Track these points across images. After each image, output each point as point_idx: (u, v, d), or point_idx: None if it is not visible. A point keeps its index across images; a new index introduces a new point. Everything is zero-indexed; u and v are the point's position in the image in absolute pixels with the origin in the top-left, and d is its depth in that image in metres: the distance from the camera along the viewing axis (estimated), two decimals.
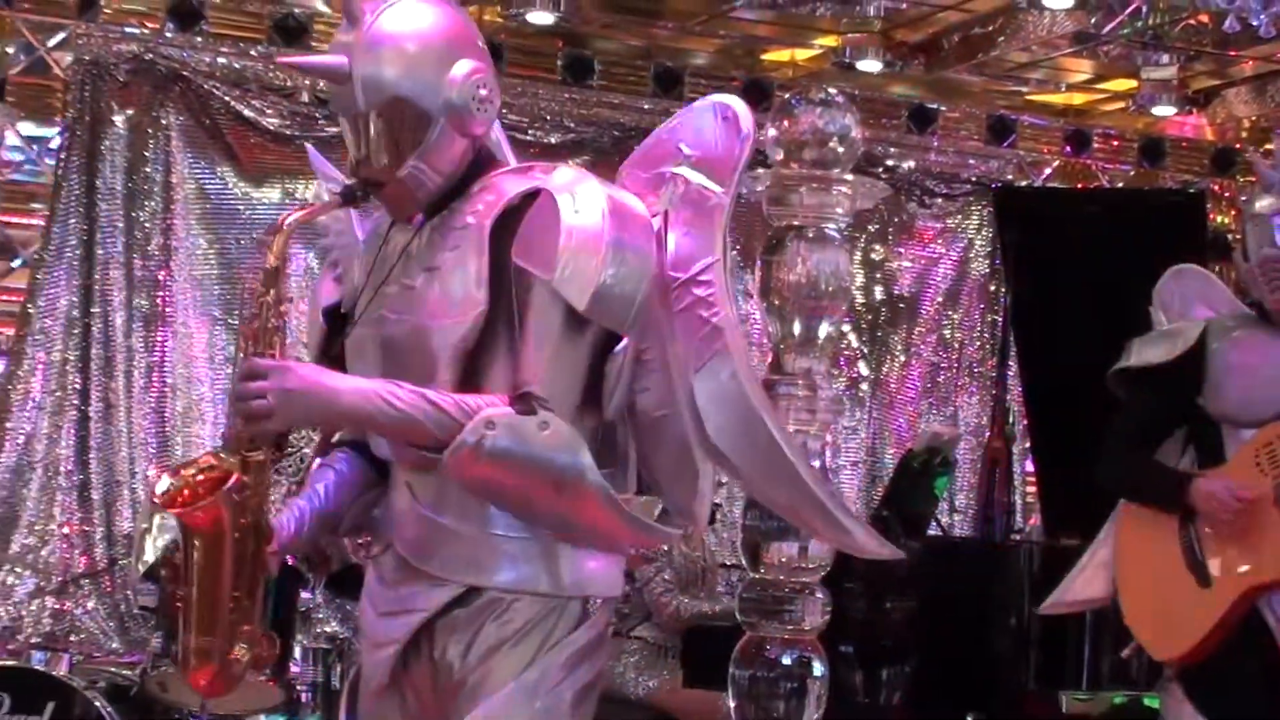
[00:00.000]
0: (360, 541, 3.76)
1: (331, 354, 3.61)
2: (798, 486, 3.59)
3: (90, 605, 8.03)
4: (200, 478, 3.33)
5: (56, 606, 7.82)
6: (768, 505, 3.76)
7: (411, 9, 3.45)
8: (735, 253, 8.90)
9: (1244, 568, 4.93)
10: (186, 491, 3.33)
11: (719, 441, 3.50)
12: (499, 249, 3.37)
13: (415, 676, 3.49)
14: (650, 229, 3.48)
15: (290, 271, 3.54)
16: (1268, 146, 9.30)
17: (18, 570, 8.05)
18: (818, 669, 4.71)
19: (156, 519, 6.97)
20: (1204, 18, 8.22)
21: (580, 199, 3.36)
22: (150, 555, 6.74)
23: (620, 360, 3.44)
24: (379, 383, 3.34)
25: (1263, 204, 4.99)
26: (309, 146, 4.35)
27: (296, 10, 8.71)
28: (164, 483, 3.37)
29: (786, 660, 4.68)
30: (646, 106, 9.06)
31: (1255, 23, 7.20)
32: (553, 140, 8.48)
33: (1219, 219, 9.45)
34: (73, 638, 7.55)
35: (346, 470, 3.63)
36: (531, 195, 3.39)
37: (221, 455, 3.37)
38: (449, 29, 3.48)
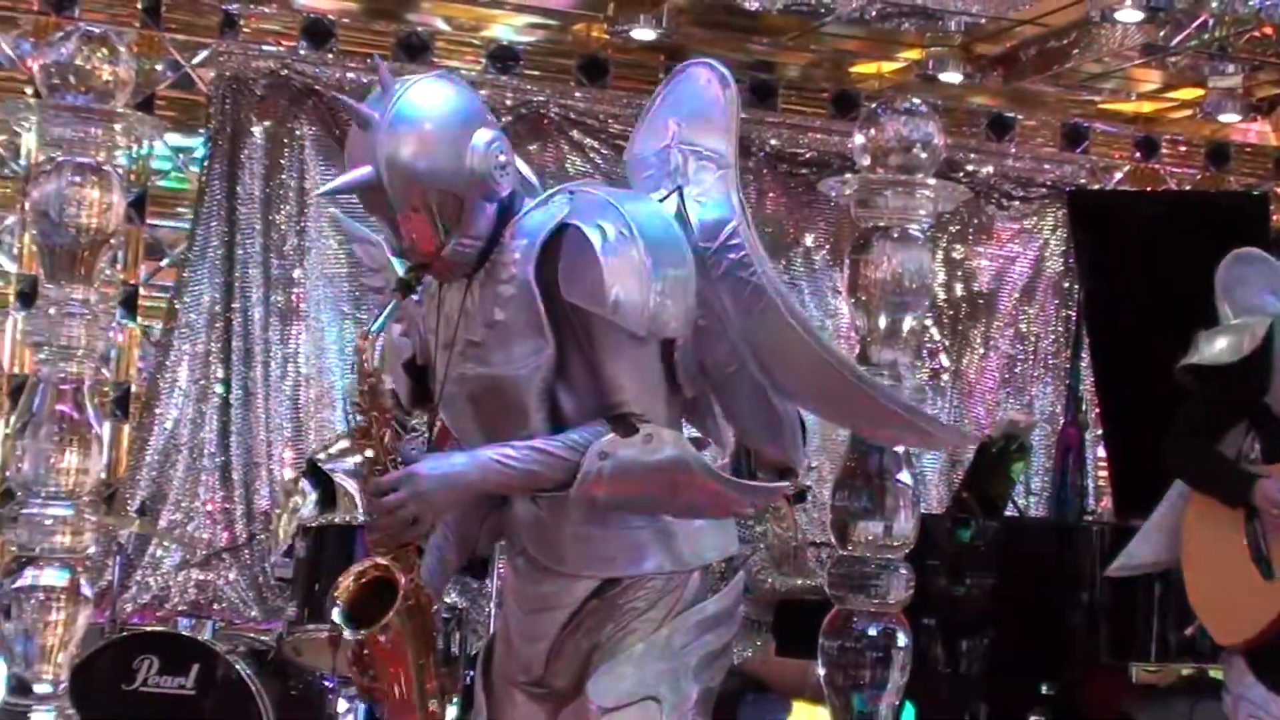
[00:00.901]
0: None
1: (423, 401, 3.67)
2: (876, 408, 3.58)
3: (231, 576, 8.09)
4: (365, 580, 3.45)
5: (201, 577, 7.88)
6: (852, 429, 3.73)
7: (414, 100, 3.39)
8: (825, 254, 9.02)
9: None
10: (353, 593, 3.44)
11: (788, 385, 3.52)
12: (545, 287, 3.36)
13: (566, 657, 3.52)
14: (672, 226, 3.46)
15: None
16: None
17: (166, 544, 8.12)
18: (902, 640, 4.68)
19: (293, 500, 7.00)
20: (1268, 29, 8.16)
21: (606, 226, 3.33)
22: (284, 537, 6.76)
23: (685, 347, 3.47)
24: (492, 449, 3.38)
25: None
26: (337, 212, 4.33)
27: (419, 29, 8.73)
28: (336, 611, 3.47)
29: (872, 632, 4.65)
30: (744, 116, 9.00)
31: None
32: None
33: None
34: (215, 606, 7.60)
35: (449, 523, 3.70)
36: (560, 230, 3.37)
37: (378, 562, 3.45)
38: (454, 109, 3.43)
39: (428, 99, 3.40)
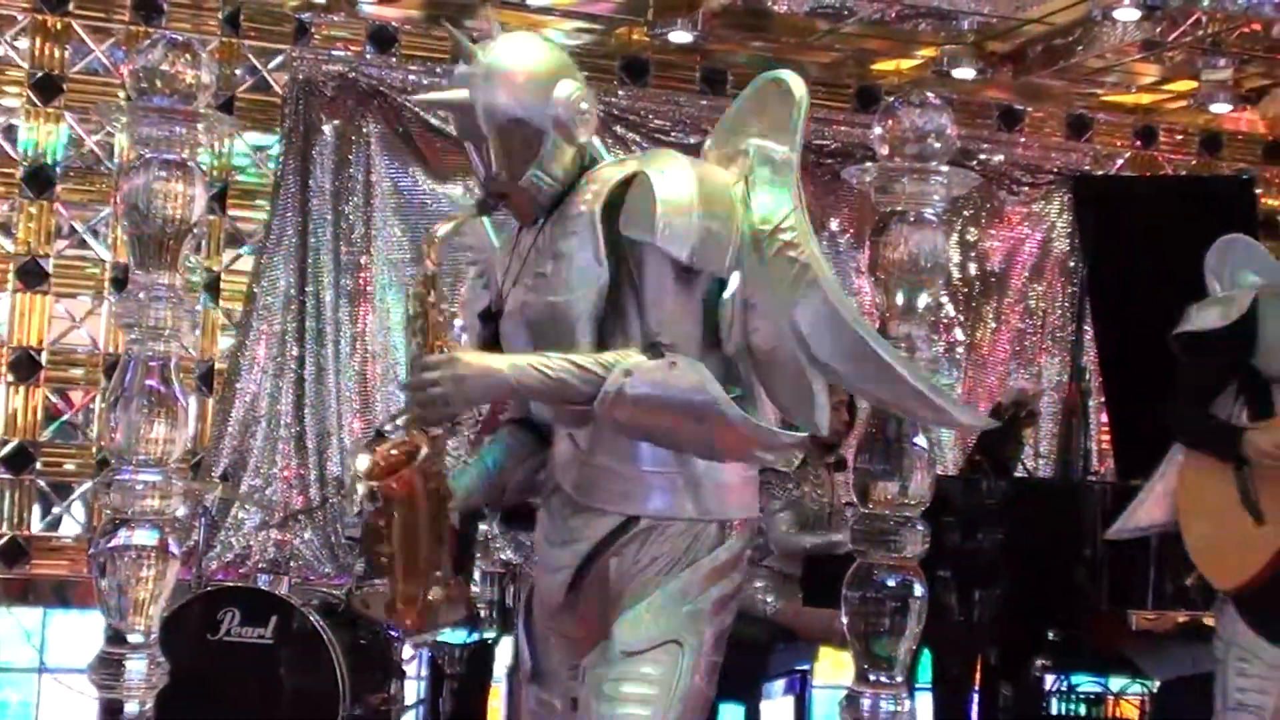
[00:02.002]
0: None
1: (493, 347, 3.67)
2: (898, 382, 3.61)
3: (306, 536, 8.12)
4: (394, 453, 3.45)
5: (278, 537, 7.89)
6: (875, 403, 3.78)
7: (516, 45, 3.54)
8: (849, 236, 9.02)
9: None
10: (383, 464, 3.44)
11: (824, 358, 3.54)
12: (609, 228, 3.43)
13: (585, 594, 3.54)
14: (729, 189, 3.52)
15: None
16: None
17: (246, 507, 8.16)
18: (918, 591, 4.69)
19: (361, 465, 7.03)
20: (1256, 25, 8.11)
21: (670, 173, 3.42)
22: (353, 499, 6.80)
23: (731, 303, 3.48)
24: (531, 356, 3.41)
25: None
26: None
27: (475, 34, 8.68)
28: (363, 460, 3.49)
29: (891, 583, 4.66)
30: None
31: None
32: (691, 141, 8.44)
33: (1269, 202, 9.30)
34: (292, 563, 7.60)
35: (512, 443, 3.75)
36: (629, 179, 3.45)
37: (410, 434, 3.45)
38: (548, 58, 3.57)
39: (523, 46, 3.54)
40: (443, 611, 3.53)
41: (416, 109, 8.56)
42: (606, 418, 3.36)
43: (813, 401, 3.56)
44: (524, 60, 3.51)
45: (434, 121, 8.56)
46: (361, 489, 6.70)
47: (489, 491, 3.75)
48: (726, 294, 3.49)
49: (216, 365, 8.49)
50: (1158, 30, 8.17)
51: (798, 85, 3.62)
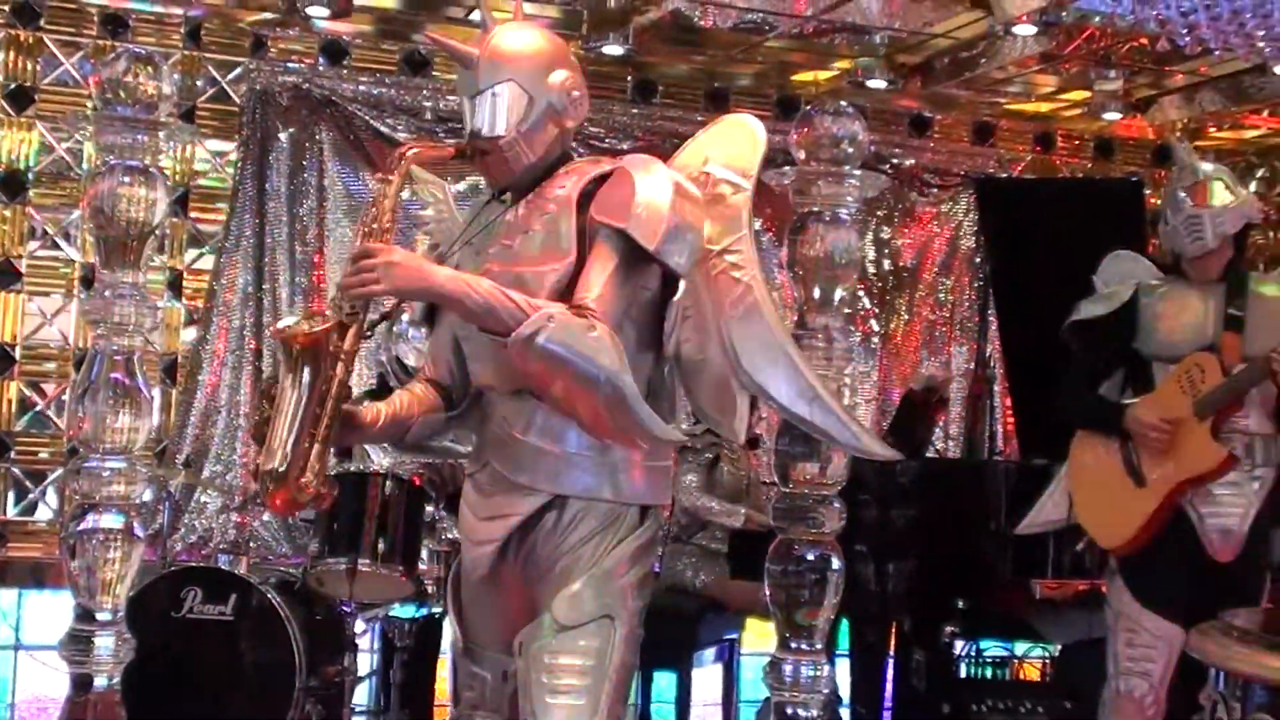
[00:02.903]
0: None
1: (434, 317, 3.72)
2: (819, 405, 3.67)
3: (264, 519, 8.06)
4: (309, 323, 3.36)
5: (238, 520, 7.87)
6: (795, 422, 3.76)
7: (524, 30, 3.59)
8: (770, 235, 9.03)
9: (1172, 468, 4.93)
10: (305, 329, 3.34)
11: (753, 373, 3.56)
12: (583, 213, 3.42)
13: (510, 568, 3.54)
14: (701, 200, 3.53)
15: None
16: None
17: (209, 492, 8.10)
18: (836, 564, 4.70)
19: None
20: (1143, 40, 8.16)
21: (649, 173, 3.42)
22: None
23: (677, 307, 3.47)
24: (465, 274, 3.37)
25: (1182, 182, 5.03)
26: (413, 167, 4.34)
27: (421, 48, 8.71)
28: (284, 321, 3.45)
29: (811, 557, 4.67)
30: (700, 119, 8.98)
31: (1181, 44, 7.14)
32: (624, 147, 8.44)
33: (1156, 201, 9.35)
34: (251, 544, 7.58)
35: (422, 392, 3.70)
36: (609, 173, 3.46)
37: (327, 313, 3.40)
38: (551, 46, 3.58)
39: (534, 30, 3.61)
40: (307, 502, 3.34)
41: (366, 118, 8.55)
42: (518, 356, 3.27)
43: (734, 411, 3.60)
44: (532, 40, 3.55)
45: (383, 129, 8.57)
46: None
47: (391, 424, 3.62)
48: (676, 296, 3.48)
49: (179, 358, 8.43)
50: (1054, 44, 8.21)
51: (760, 130, 3.67)
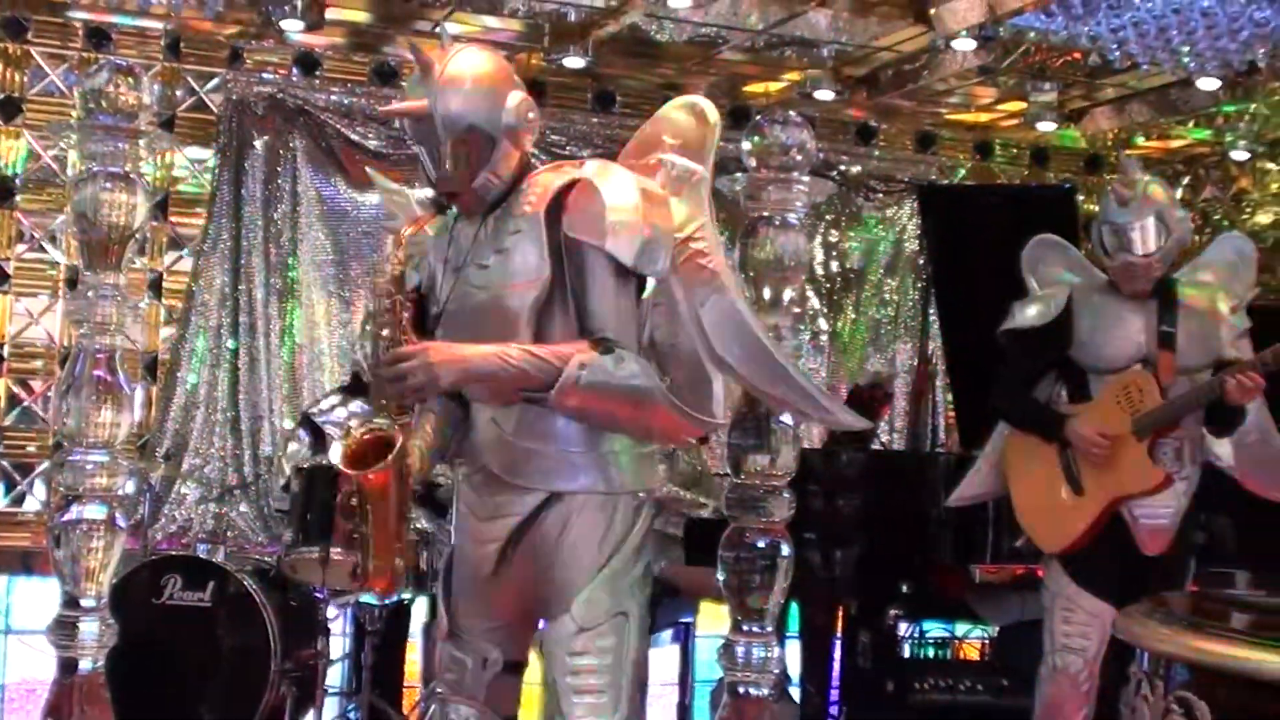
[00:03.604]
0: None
1: (423, 326, 3.63)
2: (788, 382, 3.67)
3: (241, 509, 8.04)
4: (367, 437, 3.42)
5: (216, 511, 7.84)
6: (765, 401, 3.78)
7: (468, 58, 3.47)
8: (725, 236, 9.03)
9: (1110, 482, 4.94)
10: (354, 448, 3.41)
11: (724, 355, 3.55)
12: (552, 227, 3.39)
13: (514, 564, 3.52)
14: (667, 201, 3.49)
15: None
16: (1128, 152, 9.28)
17: (188, 484, 8.07)
18: (785, 550, 4.70)
19: (290, 446, 6.98)
20: (1076, 55, 8.20)
21: (613, 181, 3.39)
22: (282, 476, 6.75)
23: (646, 301, 3.51)
24: (493, 347, 3.35)
25: (1121, 219, 4.94)
26: (369, 170, 4.39)
27: (390, 59, 8.69)
28: (337, 449, 3.43)
29: (762, 544, 4.67)
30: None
31: (1112, 58, 7.18)
32: (585, 154, 8.44)
33: (1088, 207, 9.40)
34: (228, 534, 7.56)
35: (450, 406, 3.66)
36: (572, 184, 3.41)
37: (379, 422, 3.42)
38: (498, 70, 3.50)
39: (476, 59, 3.49)
40: (404, 574, 3.57)
41: (338, 126, 8.54)
42: (560, 404, 3.34)
43: (709, 394, 3.57)
44: (477, 72, 3.46)
45: (354, 137, 8.56)
46: (288, 463, 6.67)
47: (435, 456, 3.67)
48: (646, 293, 3.51)
49: (160, 356, 8.40)
50: (992, 58, 8.24)
51: (711, 111, 3.64)
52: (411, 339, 3.41)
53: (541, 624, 3.62)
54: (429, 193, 3.70)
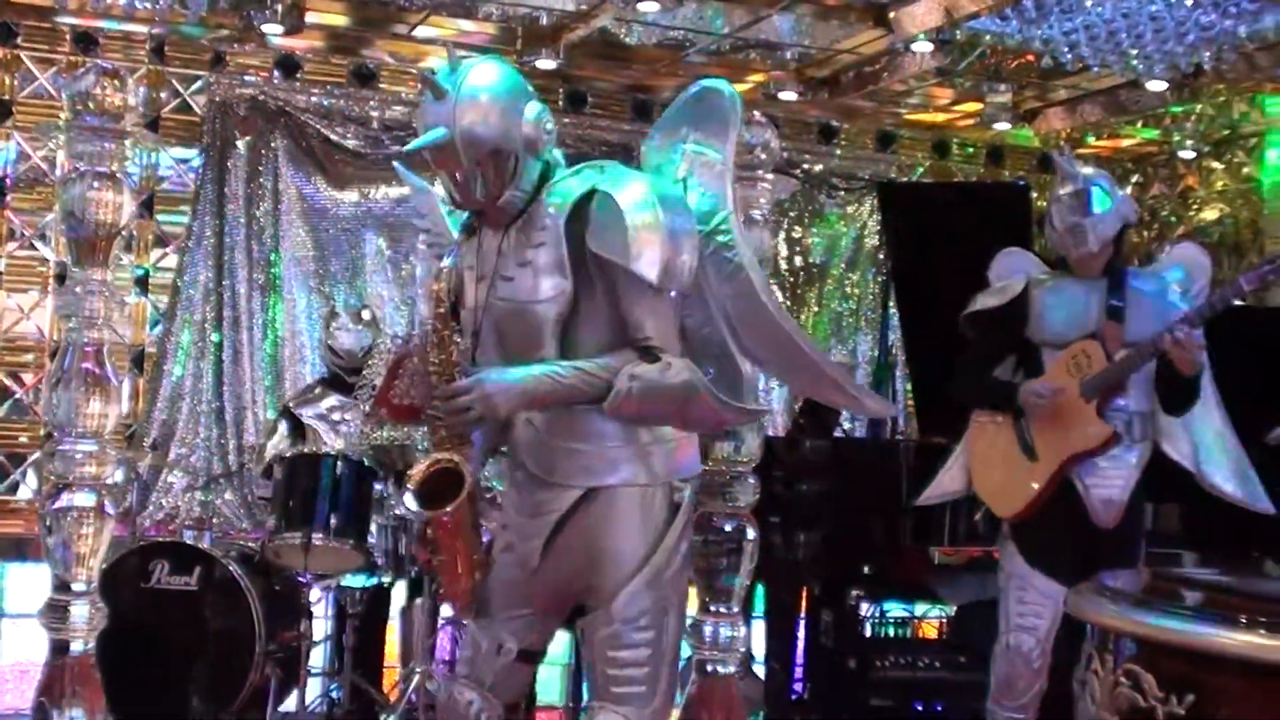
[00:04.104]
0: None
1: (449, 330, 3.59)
2: (814, 371, 3.63)
3: (226, 496, 8.05)
4: (434, 469, 3.43)
5: (202, 498, 7.84)
6: (792, 387, 3.76)
7: (480, 76, 3.37)
8: None
9: (1061, 443, 4.98)
10: (424, 483, 3.43)
11: (752, 348, 3.54)
12: (572, 239, 3.33)
13: (557, 557, 3.49)
14: (687, 204, 3.43)
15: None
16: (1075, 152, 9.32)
17: (175, 472, 8.06)
18: (751, 534, 4.72)
19: (273, 436, 6.98)
20: (1029, 57, 8.23)
21: (631, 194, 3.30)
22: (263, 464, 6.75)
23: (675, 300, 3.45)
24: (543, 367, 3.34)
25: (1064, 190, 5.07)
26: (396, 164, 4.33)
27: (369, 62, 8.68)
28: (410, 497, 3.44)
29: (728, 528, 4.70)
30: (626, 128, 9.09)
31: (1064, 61, 7.21)
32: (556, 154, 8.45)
33: (1041, 204, 9.43)
34: (214, 520, 7.55)
35: None
36: (590, 194, 3.34)
37: (447, 456, 3.42)
38: (509, 83, 3.41)
39: (488, 77, 3.39)
40: (480, 587, 3.57)
41: (317, 126, 8.54)
42: (614, 412, 3.33)
43: (740, 382, 3.57)
44: (491, 92, 3.36)
45: (333, 137, 8.56)
46: (270, 452, 6.67)
47: (488, 451, 3.69)
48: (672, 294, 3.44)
49: (146, 349, 8.39)
50: (949, 60, 8.27)
51: (734, 96, 3.55)
52: (459, 368, 3.41)
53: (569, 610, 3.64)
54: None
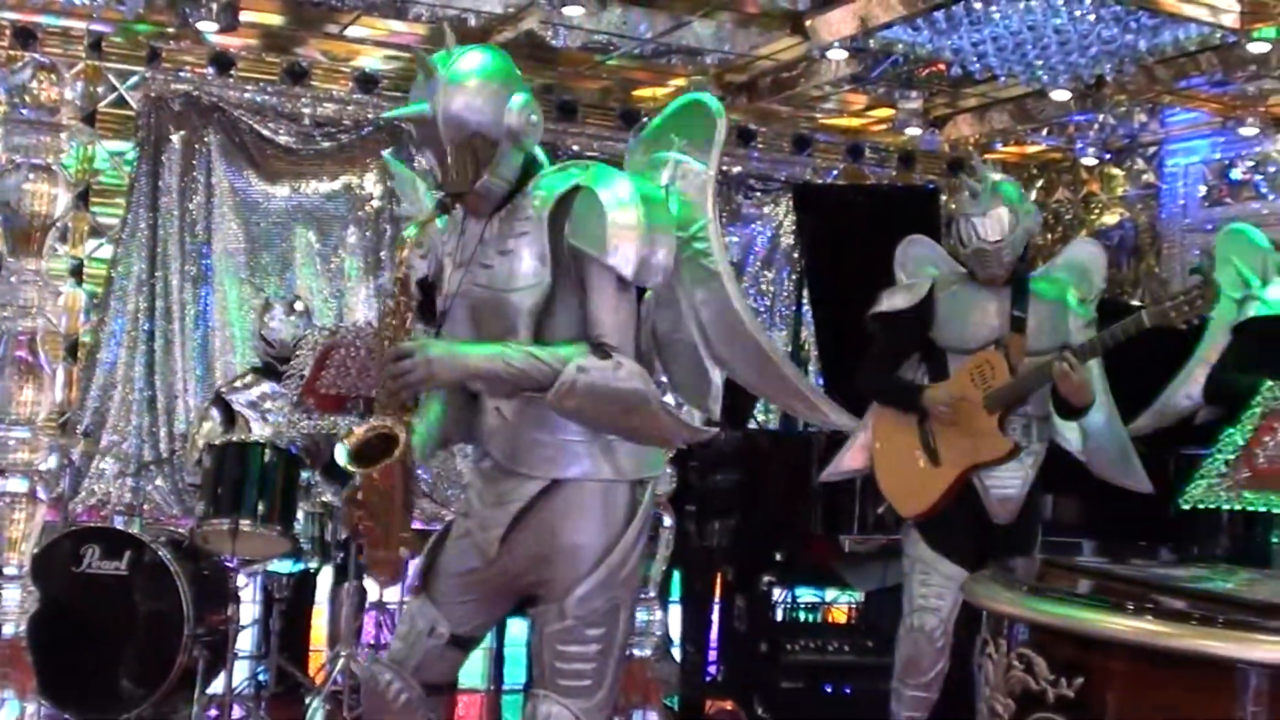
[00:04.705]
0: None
1: (424, 313, 3.56)
2: (782, 381, 3.60)
3: (157, 483, 7.96)
4: (370, 434, 3.35)
5: (133, 484, 7.74)
6: (759, 395, 3.72)
7: (471, 61, 3.36)
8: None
9: (964, 452, 5.03)
10: (358, 444, 3.36)
11: (721, 353, 3.48)
12: (554, 231, 3.30)
13: (515, 548, 3.43)
14: (667, 205, 3.39)
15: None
16: (984, 159, 9.40)
17: (107, 459, 7.99)
18: (667, 521, 4.76)
19: (204, 424, 6.93)
20: (940, 66, 8.28)
21: (615, 191, 3.27)
22: (195, 452, 6.71)
23: (648, 304, 3.42)
24: (495, 346, 3.28)
25: (974, 209, 5.08)
26: (384, 153, 4.24)
27: (302, 60, 8.62)
28: (343, 451, 3.36)
29: None
30: (551, 128, 9.03)
31: (973, 70, 7.27)
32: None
33: (951, 206, 9.52)
34: (144, 506, 7.46)
35: (449, 399, 3.61)
36: (575, 189, 3.31)
37: (385, 420, 3.35)
38: (500, 72, 3.38)
39: (479, 62, 3.38)
40: (408, 560, 3.52)
41: (250, 122, 8.48)
42: (557, 403, 3.26)
43: (708, 389, 3.51)
44: (479, 76, 3.35)
45: (265, 133, 8.50)
46: (200, 440, 6.63)
47: (436, 444, 3.64)
48: (646, 296, 3.42)
49: (80, 338, 8.30)
50: (863, 67, 8.30)
51: (718, 108, 3.51)
52: (407, 322, 3.36)
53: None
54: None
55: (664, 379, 3.60)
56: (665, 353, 3.53)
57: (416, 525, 3.65)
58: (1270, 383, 4.10)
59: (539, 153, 3.51)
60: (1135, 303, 4.97)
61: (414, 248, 3.55)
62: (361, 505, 3.42)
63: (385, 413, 3.36)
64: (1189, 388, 5.56)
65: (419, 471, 7.72)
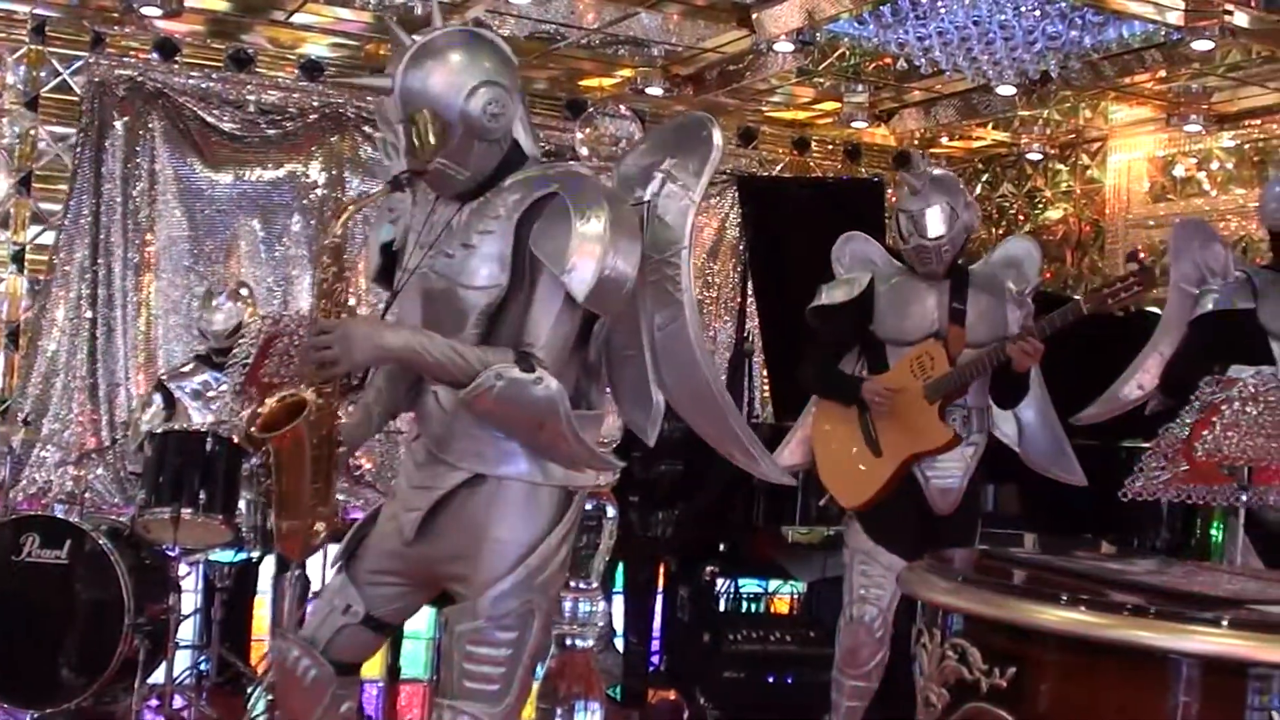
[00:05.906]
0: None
1: (382, 278, 3.51)
2: (723, 425, 3.52)
3: (98, 472, 7.94)
4: (278, 404, 3.31)
5: (75, 473, 7.72)
6: (698, 432, 3.63)
7: (448, 37, 3.30)
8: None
9: (904, 442, 5.05)
10: (269, 413, 3.30)
11: (667, 381, 3.40)
12: (520, 234, 3.23)
13: (435, 536, 3.38)
14: (637, 226, 3.30)
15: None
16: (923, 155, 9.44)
17: (48, 447, 7.93)
18: (611, 512, 4.75)
19: (145, 412, 6.88)
20: (886, 60, 8.33)
21: (588, 207, 3.19)
22: (137, 438, 6.66)
23: (604, 322, 3.34)
24: (420, 334, 3.22)
25: (913, 205, 5.11)
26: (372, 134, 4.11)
27: (247, 47, 8.57)
28: (250, 415, 3.33)
29: (588, 507, 4.62)
30: None
31: (918, 64, 7.30)
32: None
33: (895, 199, 9.57)
34: (85, 495, 7.40)
35: (385, 385, 3.56)
36: (549, 196, 3.23)
37: (299, 389, 3.30)
38: (471, 56, 3.28)
39: (451, 42, 3.29)
40: (321, 540, 3.43)
41: (194, 109, 8.44)
42: (470, 405, 3.20)
43: (649, 412, 3.45)
44: (446, 55, 3.26)
45: (209, 120, 8.46)
46: (142, 427, 6.58)
47: (381, 420, 3.59)
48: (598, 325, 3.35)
49: (21, 325, 8.22)
50: (809, 61, 8.35)
51: (718, 136, 3.40)
52: (341, 311, 3.28)
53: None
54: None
55: (608, 391, 3.56)
56: (615, 365, 3.47)
57: (355, 515, 3.61)
58: (1208, 377, 4.13)
59: (529, 149, 3.42)
60: (1076, 296, 4.99)
61: (384, 212, 3.51)
62: (270, 471, 3.35)
63: (307, 384, 3.30)
64: (1140, 378, 5.60)
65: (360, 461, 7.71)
